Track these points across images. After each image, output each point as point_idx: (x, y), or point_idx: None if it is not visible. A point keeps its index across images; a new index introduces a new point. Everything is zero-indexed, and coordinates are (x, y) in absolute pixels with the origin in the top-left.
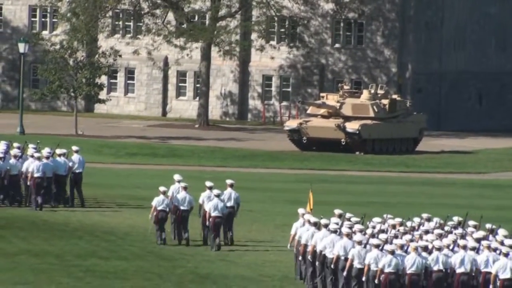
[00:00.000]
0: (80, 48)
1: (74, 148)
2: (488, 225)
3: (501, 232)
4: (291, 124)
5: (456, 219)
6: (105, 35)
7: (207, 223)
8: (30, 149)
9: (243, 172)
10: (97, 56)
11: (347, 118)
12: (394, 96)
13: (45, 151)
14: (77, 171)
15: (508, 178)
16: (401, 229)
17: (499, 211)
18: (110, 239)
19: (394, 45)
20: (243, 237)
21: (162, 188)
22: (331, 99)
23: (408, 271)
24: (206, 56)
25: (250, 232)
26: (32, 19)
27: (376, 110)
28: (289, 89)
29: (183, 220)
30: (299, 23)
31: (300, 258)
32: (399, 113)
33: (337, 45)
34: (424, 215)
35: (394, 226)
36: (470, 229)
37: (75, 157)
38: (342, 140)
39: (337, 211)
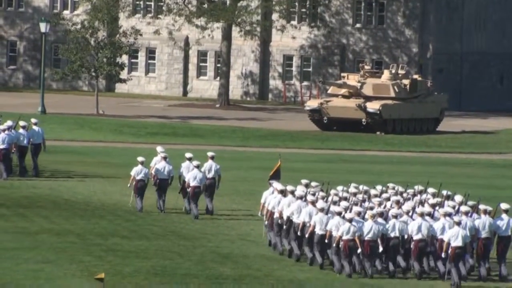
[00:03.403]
0: (101, 27)
1: (33, 120)
2: (444, 192)
3: (457, 198)
4: (312, 104)
5: (417, 188)
6: (126, 15)
7: (187, 193)
8: None
9: (263, 152)
10: (118, 35)
11: (368, 98)
12: (415, 76)
13: (7, 124)
14: (36, 142)
15: None
16: (360, 196)
17: None
18: (131, 218)
19: (415, 25)
20: None
21: (140, 159)
22: (352, 79)
23: (366, 238)
24: (227, 36)
25: None
26: None
27: (397, 90)
28: (310, 69)
29: (162, 188)
30: (320, 2)
31: (266, 223)
32: (420, 93)
33: (358, 25)
34: (390, 185)
35: (355, 194)
36: (426, 196)
37: (34, 128)
38: (363, 120)
39: (304, 181)
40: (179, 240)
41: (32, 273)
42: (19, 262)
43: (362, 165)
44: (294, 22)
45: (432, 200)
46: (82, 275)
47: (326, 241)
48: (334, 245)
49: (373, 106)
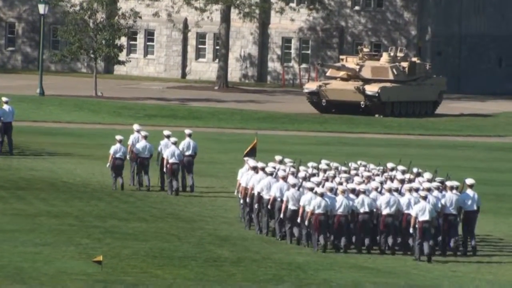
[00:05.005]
0: (100, 9)
1: (4, 99)
2: (415, 169)
3: (426, 175)
4: (311, 86)
5: (389, 165)
6: None
7: (165, 169)
8: None
9: (262, 134)
10: (117, 17)
11: (367, 81)
12: (414, 59)
13: None
14: (6, 120)
15: None
16: (331, 173)
17: None
18: (130, 200)
19: (414, 7)
20: None
21: (118, 137)
22: (351, 62)
23: (337, 213)
24: (225, 18)
25: None
26: None
27: (395, 72)
28: (309, 52)
29: (144, 167)
30: None
31: (241, 201)
32: (419, 76)
33: (356, 8)
34: (362, 162)
35: (325, 171)
36: (395, 173)
37: (5, 107)
38: (362, 102)
39: (277, 157)
40: (177, 223)
41: (30, 255)
42: (17, 244)
43: (361, 148)
44: (293, 4)
45: (400, 176)
46: (80, 257)
47: (298, 218)
48: (306, 221)
49: (371, 89)
